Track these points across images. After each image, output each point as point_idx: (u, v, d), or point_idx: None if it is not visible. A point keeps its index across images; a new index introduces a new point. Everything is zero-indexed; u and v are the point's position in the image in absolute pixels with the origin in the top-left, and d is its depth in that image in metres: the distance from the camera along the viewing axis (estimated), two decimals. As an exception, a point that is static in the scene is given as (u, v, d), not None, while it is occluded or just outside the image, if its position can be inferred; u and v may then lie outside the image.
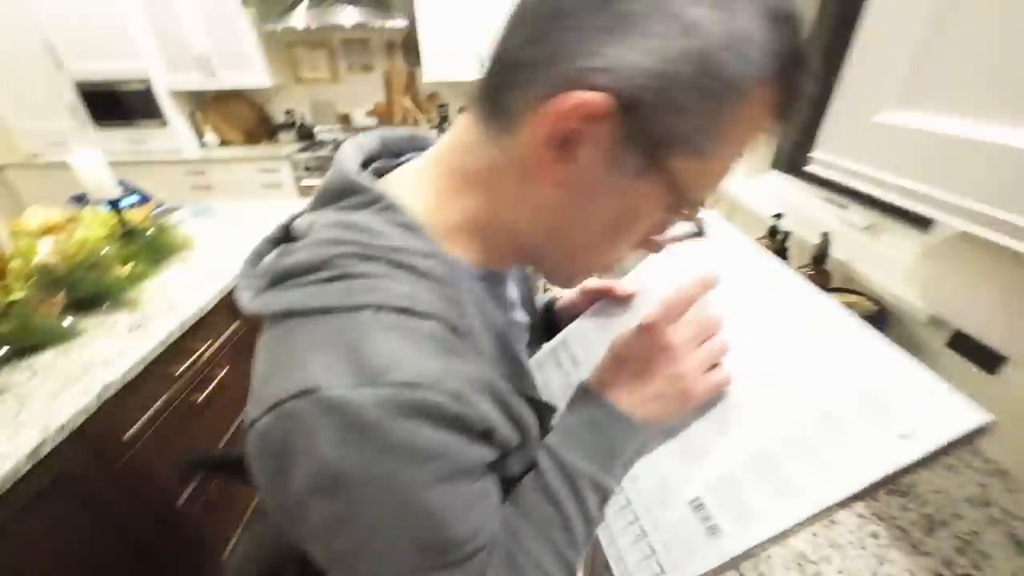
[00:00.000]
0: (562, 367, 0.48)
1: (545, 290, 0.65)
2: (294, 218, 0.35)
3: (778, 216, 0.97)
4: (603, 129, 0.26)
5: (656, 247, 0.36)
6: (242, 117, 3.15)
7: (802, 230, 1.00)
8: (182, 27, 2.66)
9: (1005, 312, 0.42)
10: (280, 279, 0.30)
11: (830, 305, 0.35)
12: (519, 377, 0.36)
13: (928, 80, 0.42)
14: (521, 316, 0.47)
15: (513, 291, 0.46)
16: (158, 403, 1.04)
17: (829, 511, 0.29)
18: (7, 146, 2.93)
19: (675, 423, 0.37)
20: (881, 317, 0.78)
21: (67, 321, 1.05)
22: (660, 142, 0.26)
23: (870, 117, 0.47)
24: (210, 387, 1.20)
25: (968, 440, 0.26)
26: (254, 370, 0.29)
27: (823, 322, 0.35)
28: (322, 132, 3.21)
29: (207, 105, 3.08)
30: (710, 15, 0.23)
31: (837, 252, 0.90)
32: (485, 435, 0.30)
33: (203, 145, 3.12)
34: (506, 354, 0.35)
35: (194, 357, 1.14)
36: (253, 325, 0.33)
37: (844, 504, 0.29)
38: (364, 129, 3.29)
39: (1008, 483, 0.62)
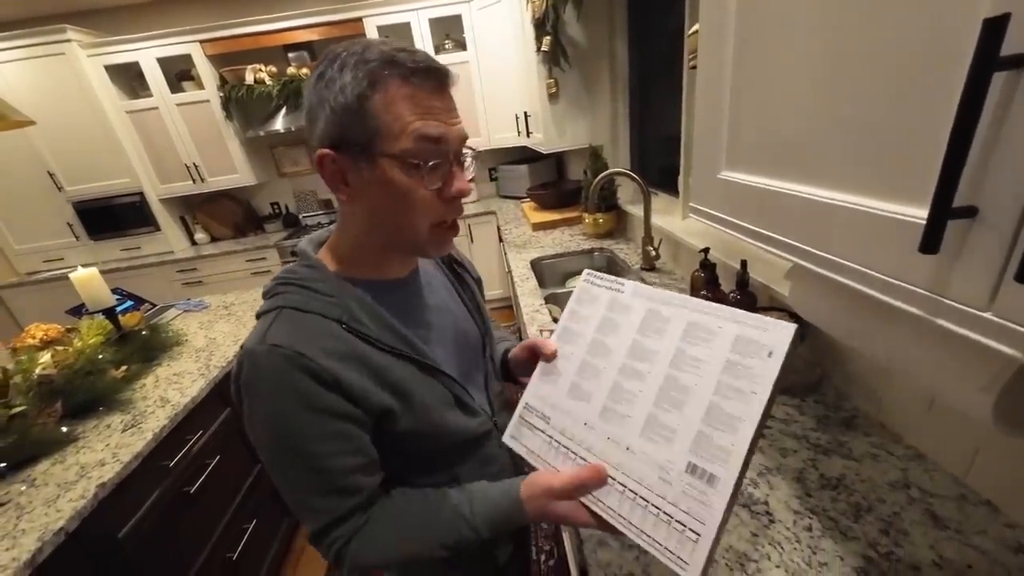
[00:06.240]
0: (535, 428, 0.58)
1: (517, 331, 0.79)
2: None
3: (705, 250, 1.09)
4: (342, 159, 0.48)
5: (454, 197, 0.51)
6: (230, 213, 3.36)
7: (727, 259, 1.12)
8: (172, 144, 2.94)
9: (838, 315, 0.51)
10: (263, 296, 0.56)
11: (698, 314, 0.49)
12: (410, 347, 0.55)
13: (737, 146, 0.55)
14: (453, 306, 0.66)
15: (436, 295, 0.64)
16: (152, 497, 1.08)
17: (763, 421, 0.41)
18: (3, 268, 3.08)
19: (654, 415, 0.48)
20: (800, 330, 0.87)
21: (64, 428, 1.11)
22: (365, 144, 0.47)
23: (715, 175, 0.60)
24: (202, 477, 1.23)
25: (797, 341, 0.41)
26: None
27: (695, 328, 0.49)
28: (307, 218, 3.43)
29: (197, 206, 3.30)
30: (329, 94, 0.46)
31: (760, 275, 1.02)
32: (335, 385, 0.48)
33: (194, 243, 3.30)
34: (395, 334, 0.54)
35: (186, 448, 1.18)
36: (240, 412, 0.51)
37: (767, 412, 0.41)
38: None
39: (925, 465, 0.68)
